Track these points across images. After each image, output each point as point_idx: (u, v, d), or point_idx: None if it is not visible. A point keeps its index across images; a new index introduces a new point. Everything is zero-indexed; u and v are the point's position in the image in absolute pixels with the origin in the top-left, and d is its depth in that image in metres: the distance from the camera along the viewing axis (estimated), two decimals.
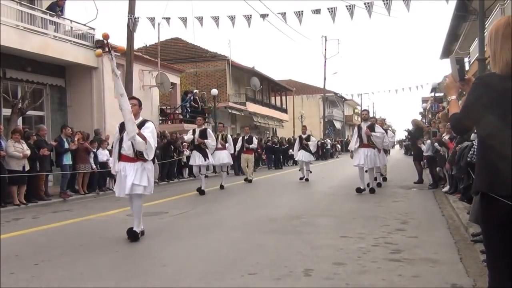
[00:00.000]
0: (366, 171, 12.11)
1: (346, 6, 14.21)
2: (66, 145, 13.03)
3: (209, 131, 13.56)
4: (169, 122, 24.17)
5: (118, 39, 33.73)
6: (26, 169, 11.40)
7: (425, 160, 14.38)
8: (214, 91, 25.59)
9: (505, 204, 2.42)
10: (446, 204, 9.83)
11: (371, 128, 12.07)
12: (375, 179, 13.10)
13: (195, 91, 25.88)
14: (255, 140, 17.48)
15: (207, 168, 14.77)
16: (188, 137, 13.87)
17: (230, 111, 31.30)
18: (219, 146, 14.24)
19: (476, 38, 14.66)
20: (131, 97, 7.08)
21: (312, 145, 17.01)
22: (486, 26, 12.40)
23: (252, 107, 34.11)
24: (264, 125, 38.75)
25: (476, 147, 5.43)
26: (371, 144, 11.94)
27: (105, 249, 6.37)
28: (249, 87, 34.13)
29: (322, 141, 40.96)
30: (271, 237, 6.80)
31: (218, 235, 7.16)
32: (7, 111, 14.03)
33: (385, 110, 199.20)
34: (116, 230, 7.94)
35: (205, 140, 13.13)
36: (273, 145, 27.81)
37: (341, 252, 5.75)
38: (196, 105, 25.11)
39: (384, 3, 13.44)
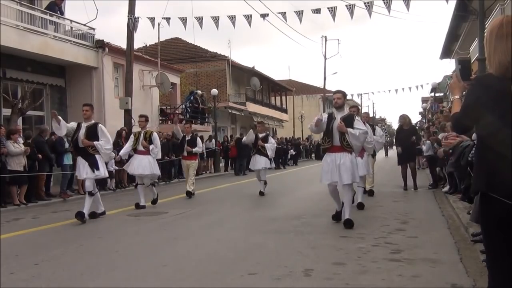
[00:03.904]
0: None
1: (346, 6, 14.23)
2: (67, 145, 13.03)
3: (102, 127, 9.10)
4: (169, 122, 24.18)
5: (118, 39, 33.85)
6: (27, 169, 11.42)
7: (425, 160, 14.26)
8: (214, 91, 25.61)
9: (505, 204, 2.42)
10: (446, 204, 9.82)
11: (348, 121, 7.62)
12: (359, 204, 9.40)
13: (196, 91, 25.92)
14: (199, 142, 13.19)
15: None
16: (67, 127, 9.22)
17: (230, 111, 31.31)
18: (141, 149, 10.65)
19: (476, 38, 14.66)
20: None
21: (270, 148, 13.18)
22: (486, 26, 12.40)
23: (252, 107, 34.11)
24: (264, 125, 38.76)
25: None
26: (346, 146, 7.56)
27: (105, 249, 6.37)
28: (249, 87, 34.12)
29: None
30: (271, 237, 6.80)
31: (218, 235, 7.17)
32: (7, 111, 14.03)
33: (385, 110, 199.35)
34: (116, 230, 7.95)
35: (95, 142, 8.81)
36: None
37: (341, 252, 5.75)
38: (197, 105, 25.18)
39: (384, 3, 13.46)
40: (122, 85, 19.39)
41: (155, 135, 10.92)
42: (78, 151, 9.09)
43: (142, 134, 10.73)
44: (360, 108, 10.58)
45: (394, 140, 16.29)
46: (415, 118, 42.59)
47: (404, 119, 13.33)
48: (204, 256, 5.78)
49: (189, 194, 12.37)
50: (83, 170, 8.91)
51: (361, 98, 46.87)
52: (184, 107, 24.69)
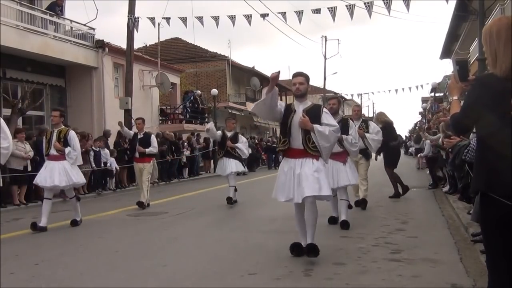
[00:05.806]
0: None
1: (346, 6, 14.25)
2: None
3: None
4: (169, 122, 24.21)
5: (118, 39, 33.85)
6: (29, 169, 11.42)
7: (424, 160, 14.24)
8: (214, 91, 25.62)
9: (505, 204, 2.42)
10: (446, 204, 9.82)
11: (313, 115, 5.47)
12: (342, 222, 7.29)
13: (196, 91, 25.94)
14: (154, 141, 10.80)
15: None
16: None
17: (230, 111, 31.31)
18: (54, 153, 8.05)
19: (476, 38, 14.67)
20: None
21: (244, 147, 11.04)
22: None
23: (252, 107, 34.08)
24: (264, 125, 38.75)
25: (472, 146, 5.43)
26: (312, 150, 5.41)
27: (105, 249, 6.37)
28: (249, 87, 34.13)
29: None
30: (271, 237, 6.81)
31: (218, 235, 7.17)
32: (7, 111, 14.04)
33: (385, 110, 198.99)
34: (116, 230, 7.95)
35: None
36: (274, 145, 27.89)
37: (341, 252, 5.76)
38: (196, 105, 25.22)
39: (384, 3, 13.47)
40: (122, 85, 19.40)
41: (72, 134, 8.20)
42: None
43: (55, 134, 8.11)
44: (341, 100, 7.59)
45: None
46: (415, 118, 42.54)
47: (376, 118, 11.09)
48: (204, 256, 5.78)
49: (141, 205, 10.27)
50: None
51: (361, 98, 46.84)
52: (183, 107, 24.72)
